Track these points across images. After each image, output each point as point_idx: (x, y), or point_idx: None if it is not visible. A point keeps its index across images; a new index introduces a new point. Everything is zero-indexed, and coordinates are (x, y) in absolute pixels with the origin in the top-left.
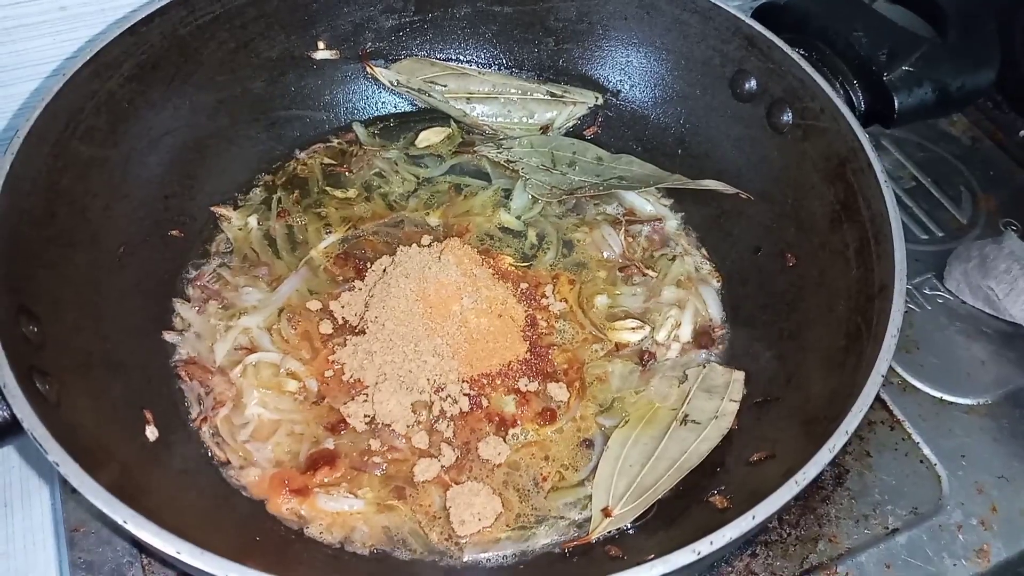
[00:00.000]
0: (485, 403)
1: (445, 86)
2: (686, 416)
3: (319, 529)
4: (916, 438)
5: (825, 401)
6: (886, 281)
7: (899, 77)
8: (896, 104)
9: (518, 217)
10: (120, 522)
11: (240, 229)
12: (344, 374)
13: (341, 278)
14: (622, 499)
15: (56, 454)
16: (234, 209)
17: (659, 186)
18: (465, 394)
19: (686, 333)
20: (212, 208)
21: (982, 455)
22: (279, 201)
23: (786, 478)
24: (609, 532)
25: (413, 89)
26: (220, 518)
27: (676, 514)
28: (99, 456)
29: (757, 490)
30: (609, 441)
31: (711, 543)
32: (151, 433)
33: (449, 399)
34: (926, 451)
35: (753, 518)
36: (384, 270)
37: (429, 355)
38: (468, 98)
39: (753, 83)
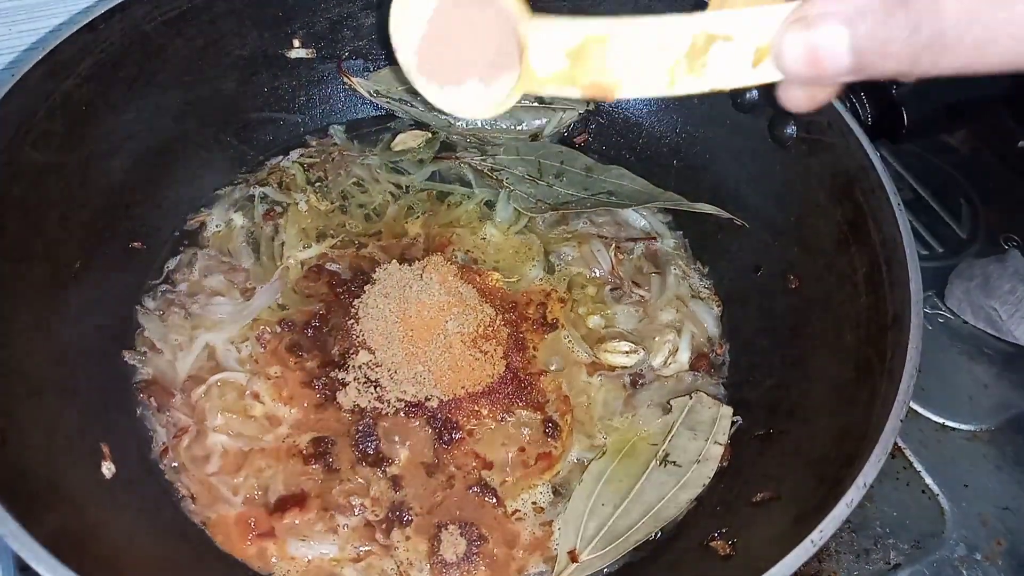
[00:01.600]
0: (470, 438)
1: None
2: (666, 456)
3: None
4: (917, 466)
5: (835, 439)
6: (900, 312)
7: (908, 90)
8: (905, 119)
9: (505, 230)
10: None
11: (218, 227)
12: (318, 401)
13: (314, 294)
14: (591, 543)
15: None
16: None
17: (649, 206)
18: (449, 428)
19: (684, 358)
20: (188, 218)
21: (986, 484)
22: (262, 198)
23: (796, 527)
24: None
25: (393, 100)
26: (181, 563)
27: (675, 558)
28: (47, 500)
29: (763, 540)
30: (584, 473)
31: None
32: (107, 470)
33: (431, 432)
34: (928, 480)
35: None
36: (363, 288)
37: (410, 384)
38: None
39: (755, 93)
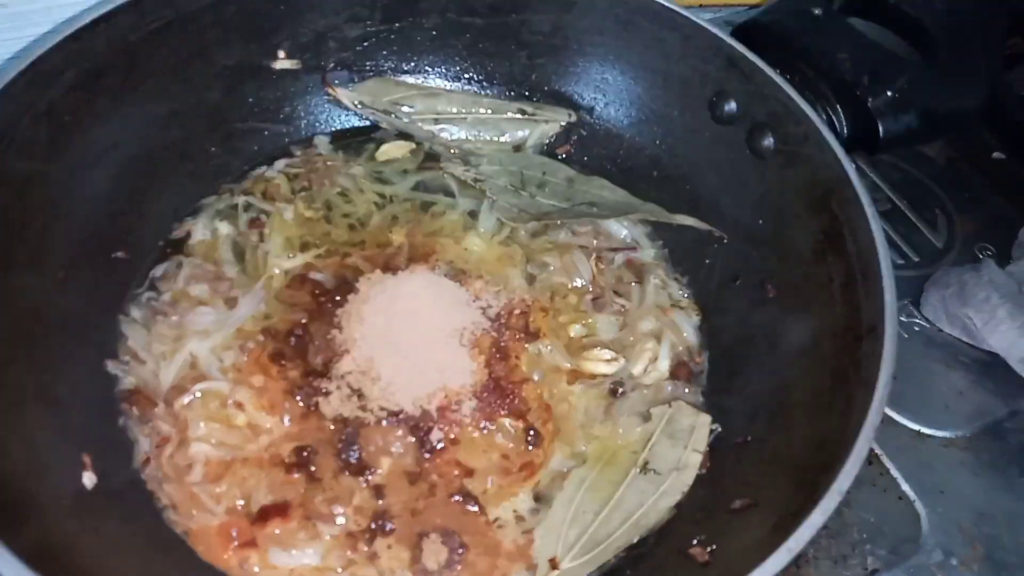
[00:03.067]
0: (452, 447)
1: (412, 107)
2: (646, 463)
3: None
4: (894, 473)
5: (812, 447)
6: (875, 322)
7: (884, 103)
8: (881, 131)
9: (488, 239)
10: None
11: (204, 236)
12: (301, 410)
13: (297, 303)
14: (572, 550)
15: None
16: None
17: (629, 217)
18: (431, 437)
19: (663, 367)
20: (173, 227)
21: (962, 491)
22: (246, 207)
23: (774, 534)
24: None
25: (378, 111)
26: (162, 573)
27: (655, 565)
28: (25, 511)
29: (741, 547)
30: (565, 482)
31: None
32: (88, 480)
33: (414, 441)
34: (905, 487)
35: None
36: (347, 297)
37: (392, 393)
38: (436, 119)
39: (734, 105)
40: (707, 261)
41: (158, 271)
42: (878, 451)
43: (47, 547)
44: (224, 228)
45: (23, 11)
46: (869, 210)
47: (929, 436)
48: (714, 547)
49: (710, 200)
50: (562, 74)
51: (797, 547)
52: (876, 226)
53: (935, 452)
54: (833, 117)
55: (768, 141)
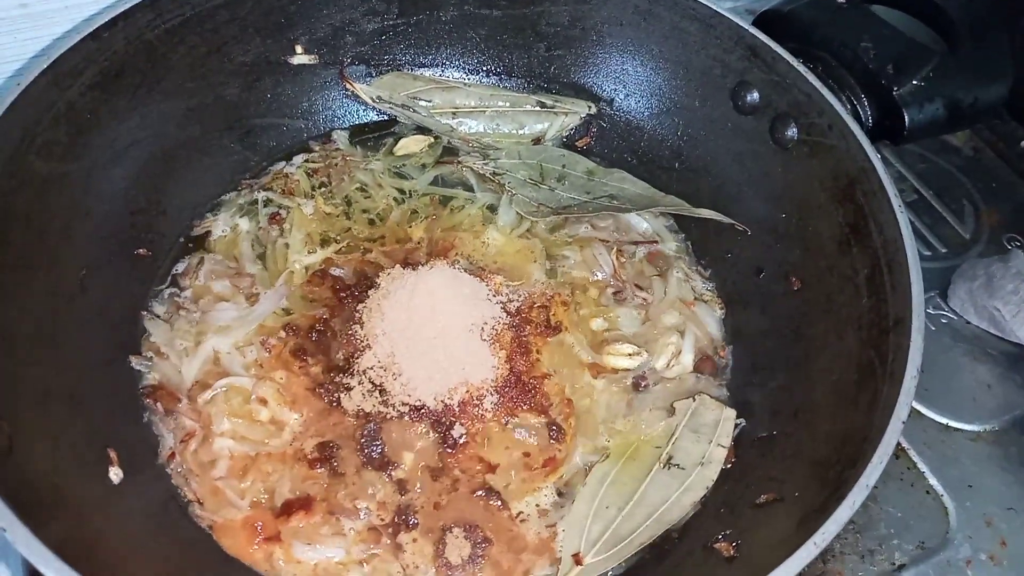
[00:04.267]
0: (474, 442)
1: (430, 101)
2: (670, 458)
3: None
4: (922, 467)
5: (836, 442)
6: (902, 315)
7: (909, 92)
8: (907, 120)
9: (508, 234)
10: None
11: (224, 232)
12: (323, 405)
13: (318, 299)
14: (595, 546)
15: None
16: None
17: (651, 210)
18: (453, 432)
19: (687, 360)
20: (193, 224)
21: (990, 485)
22: (266, 203)
23: (800, 528)
24: None
25: (396, 105)
26: (188, 567)
27: (679, 561)
28: (53, 506)
29: (766, 542)
30: (588, 477)
31: None
32: (115, 475)
33: (436, 436)
34: (932, 481)
35: None
36: (367, 292)
37: (414, 388)
38: (454, 113)
39: (756, 95)
40: (730, 254)
41: (179, 267)
42: (905, 445)
43: (76, 540)
44: (244, 224)
45: (42, 11)
46: (895, 201)
47: (957, 430)
48: (739, 542)
49: (733, 191)
50: (581, 66)
51: (824, 542)
52: (902, 217)
53: (962, 446)
54: (857, 106)
55: (791, 131)
